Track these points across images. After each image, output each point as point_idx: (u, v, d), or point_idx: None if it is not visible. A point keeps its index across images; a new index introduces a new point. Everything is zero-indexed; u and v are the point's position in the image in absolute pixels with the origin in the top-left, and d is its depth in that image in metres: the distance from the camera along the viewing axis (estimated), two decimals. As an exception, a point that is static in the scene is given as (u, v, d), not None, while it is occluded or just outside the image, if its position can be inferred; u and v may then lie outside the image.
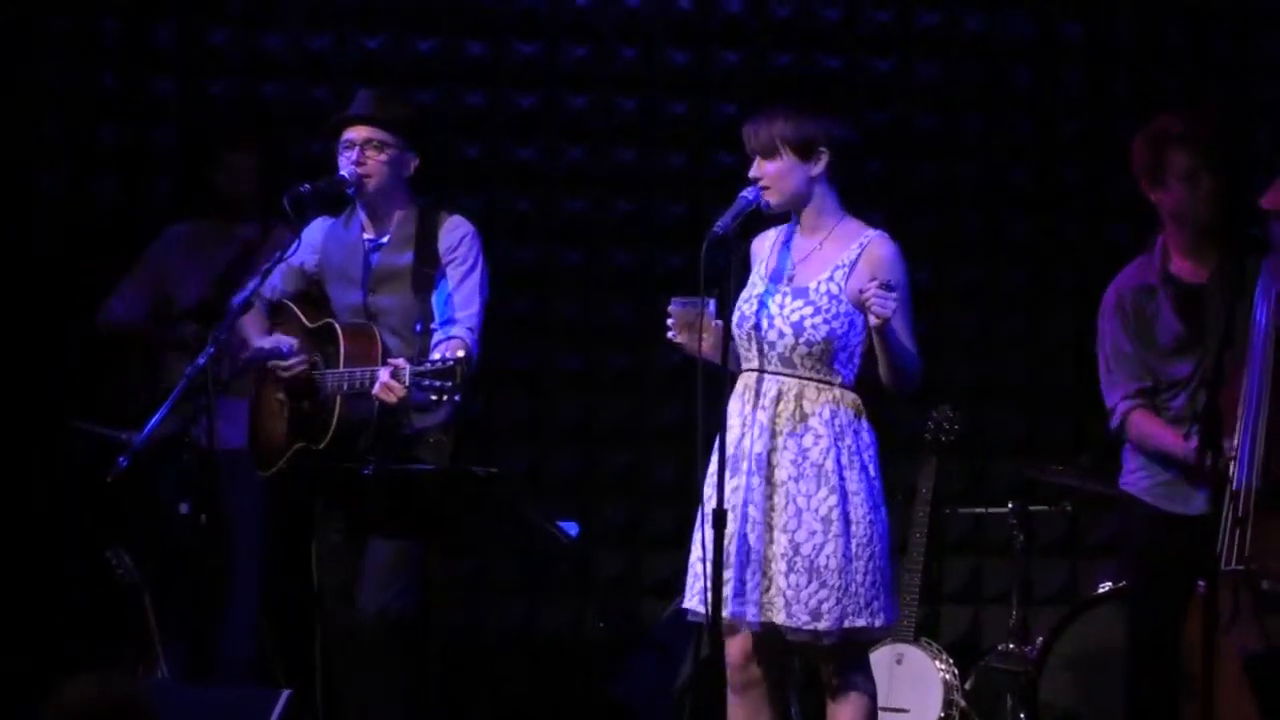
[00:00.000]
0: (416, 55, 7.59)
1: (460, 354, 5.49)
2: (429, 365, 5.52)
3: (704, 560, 5.12)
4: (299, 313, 6.17)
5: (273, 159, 7.13)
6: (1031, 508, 7.07)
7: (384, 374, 5.66)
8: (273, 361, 6.01)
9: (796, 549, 5.15)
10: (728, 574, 5.12)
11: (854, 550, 5.16)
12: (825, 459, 5.18)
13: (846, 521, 5.15)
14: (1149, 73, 7.66)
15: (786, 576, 5.15)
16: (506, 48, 7.61)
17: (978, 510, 7.31)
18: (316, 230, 6.13)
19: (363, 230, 6.13)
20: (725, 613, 5.14)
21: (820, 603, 5.15)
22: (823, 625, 5.14)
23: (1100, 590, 6.71)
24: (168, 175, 7.55)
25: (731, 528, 5.13)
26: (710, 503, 5.13)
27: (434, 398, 5.52)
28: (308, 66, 7.56)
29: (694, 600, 5.28)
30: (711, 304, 5.14)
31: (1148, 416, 5.80)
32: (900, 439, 6.50)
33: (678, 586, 5.48)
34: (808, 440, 5.20)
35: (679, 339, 5.22)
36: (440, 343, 5.84)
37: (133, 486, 6.37)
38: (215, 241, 7.08)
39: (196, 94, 7.52)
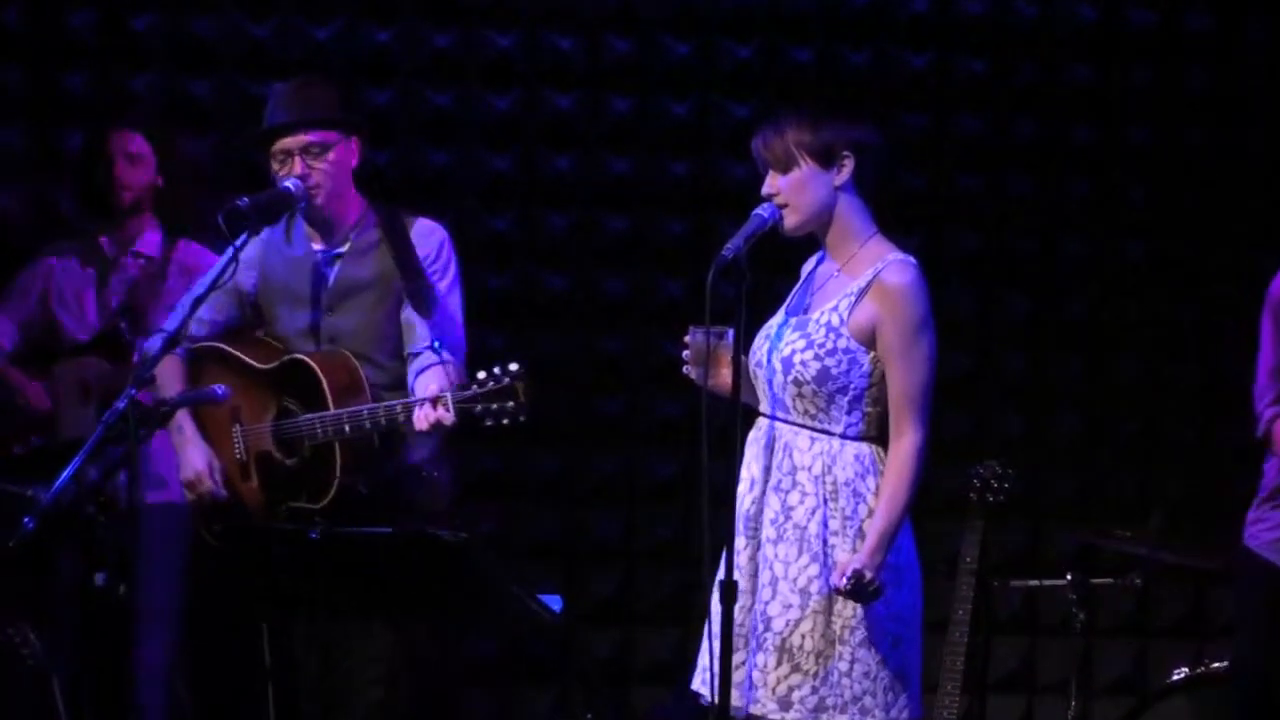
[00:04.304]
0: (373, 47, 7.33)
1: (514, 366, 5.34)
2: (476, 388, 5.36)
3: (708, 636, 4.88)
4: (240, 355, 5.89)
5: (170, 153, 6.77)
6: (1093, 580, 6.70)
7: (428, 408, 5.44)
8: (191, 491, 5.85)
9: (768, 623, 4.89)
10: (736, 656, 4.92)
11: (838, 631, 4.85)
12: (809, 521, 4.90)
13: (830, 597, 4.88)
14: (1227, 67, 7.51)
15: (755, 655, 4.92)
16: (478, 39, 7.37)
17: (1031, 583, 7.00)
18: (252, 244, 5.81)
19: (308, 239, 5.90)
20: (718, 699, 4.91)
21: (791, 689, 4.87)
22: (791, 716, 4.87)
23: (1174, 678, 6.49)
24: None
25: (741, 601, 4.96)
26: (722, 571, 4.87)
27: (489, 422, 5.37)
28: (244, 59, 7.27)
29: (697, 681, 5.08)
30: (730, 334, 4.93)
31: None
32: (939, 500, 6.30)
33: (677, 670, 5.57)
34: (793, 498, 4.93)
35: (693, 373, 5.00)
36: (426, 369, 5.71)
37: (39, 552, 6.25)
38: (110, 262, 6.70)
39: (112, 88, 7.20)
